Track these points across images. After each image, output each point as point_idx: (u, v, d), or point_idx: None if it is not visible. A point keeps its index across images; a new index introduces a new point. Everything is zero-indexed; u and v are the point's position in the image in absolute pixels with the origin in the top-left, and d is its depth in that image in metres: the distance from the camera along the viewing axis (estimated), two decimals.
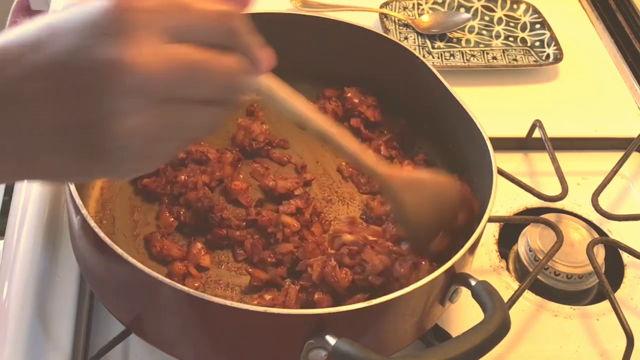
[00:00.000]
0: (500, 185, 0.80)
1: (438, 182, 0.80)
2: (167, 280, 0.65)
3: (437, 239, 0.78)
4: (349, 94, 0.96)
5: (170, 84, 0.48)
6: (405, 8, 1.22)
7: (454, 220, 0.78)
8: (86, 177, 0.55)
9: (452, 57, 1.15)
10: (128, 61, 0.46)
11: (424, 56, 1.13)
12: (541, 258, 0.87)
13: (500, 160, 0.82)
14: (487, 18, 1.22)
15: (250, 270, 0.80)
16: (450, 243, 0.77)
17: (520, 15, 1.22)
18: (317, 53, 0.96)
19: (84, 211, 0.69)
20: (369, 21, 1.17)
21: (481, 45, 1.18)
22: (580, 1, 1.32)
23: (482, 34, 1.20)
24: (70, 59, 0.47)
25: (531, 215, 0.95)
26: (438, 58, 1.15)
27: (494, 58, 1.16)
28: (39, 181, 0.81)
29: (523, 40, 1.19)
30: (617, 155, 0.99)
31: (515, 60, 1.16)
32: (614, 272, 0.92)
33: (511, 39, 1.20)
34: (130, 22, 0.47)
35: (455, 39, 1.19)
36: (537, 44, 1.18)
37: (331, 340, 0.64)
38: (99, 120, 0.47)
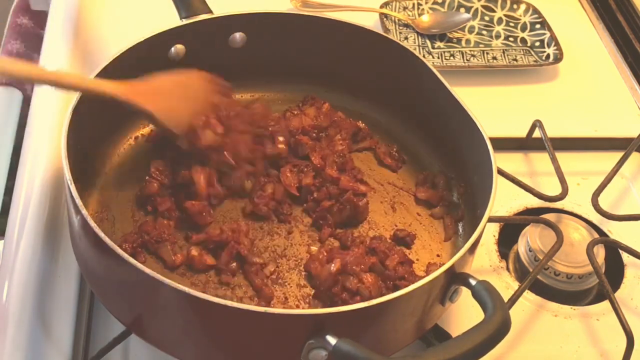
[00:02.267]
0: (500, 185, 0.80)
1: (177, 80, 0.87)
2: (167, 280, 0.65)
3: (200, 128, 0.84)
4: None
5: None
6: (405, 8, 1.22)
7: (209, 104, 0.86)
8: None
9: (452, 57, 1.15)
10: None
11: (424, 56, 1.13)
12: (541, 258, 0.87)
13: (500, 160, 0.82)
14: (487, 18, 1.22)
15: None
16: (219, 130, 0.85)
17: (520, 15, 1.22)
18: (317, 53, 0.96)
19: (84, 211, 0.69)
20: (369, 21, 1.17)
21: (481, 45, 1.18)
22: (580, 1, 1.32)
23: (482, 34, 1.20)
24: None
25: (531, 215, 0.95)
26: (438, 58, 1.15)
27: (494, 58, 1.16)
28: None
29: (523, 40, 1.19)
30: (617, 155, 0.99)
31: (515, 60, 1.16)
32: (614, 272, 0.92)
33: (511, 39, 1.20)
34: None
35: (455, 39, 1.19)
36: (537, 44, 1.18)
37: (331, 340, 0.64)
38: None
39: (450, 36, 1.19)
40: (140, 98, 0.81)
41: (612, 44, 1.23)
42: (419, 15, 1.21)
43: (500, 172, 0.90)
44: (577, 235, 0.91)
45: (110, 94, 0.79)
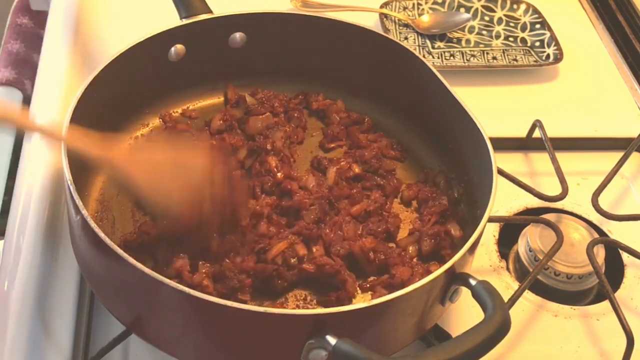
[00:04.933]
0: (500, 185, 0.80)
1: (176, 157, 0.81)
2: (167, 280, 0.65)
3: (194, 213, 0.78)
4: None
5: None
6: (405, 8, 1.22)
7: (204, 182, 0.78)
8: None
9: (452, 57, 1.15)
10: None
11: (424, 56, 1.13)
12: (541, 258, 0.87)
13: (500, 160, 0.82)
14: (487, 18, 1.22)
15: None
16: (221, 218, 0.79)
17: (520, 15, 1.22)
18: (317, 53, 0.96)
19: (84, 211, 0.69)
20: (369, 21, 1.17)
21: (481, 45, 1.18)
22: (580, 1, 1.32)
23: (482, 34, 1.20)
24: None
25: (531, 215, 0.95)
26: (438, 58, 1.15)
27: (494, 58, 1.16)
28: None
29: (523, 40, 1.19)
30: (617, 155, 0.99)
31: (515, 60, 1.16)
32: (614, 272, 0.92)
33: (511, 39, 1.20)
34: None
35: (455, 39, 1.19)
36: (537, 44, 1.18)
37: (331, 340, 0.64)
38: None
39: (450, 36, 1.19)
40: (129, 165, 0.76)
41: (612, 44, 1.23)
42: (419, 15, 1.21)
43: (500, 172, 0.90)
44: (577, 235, 0.91)
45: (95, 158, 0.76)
